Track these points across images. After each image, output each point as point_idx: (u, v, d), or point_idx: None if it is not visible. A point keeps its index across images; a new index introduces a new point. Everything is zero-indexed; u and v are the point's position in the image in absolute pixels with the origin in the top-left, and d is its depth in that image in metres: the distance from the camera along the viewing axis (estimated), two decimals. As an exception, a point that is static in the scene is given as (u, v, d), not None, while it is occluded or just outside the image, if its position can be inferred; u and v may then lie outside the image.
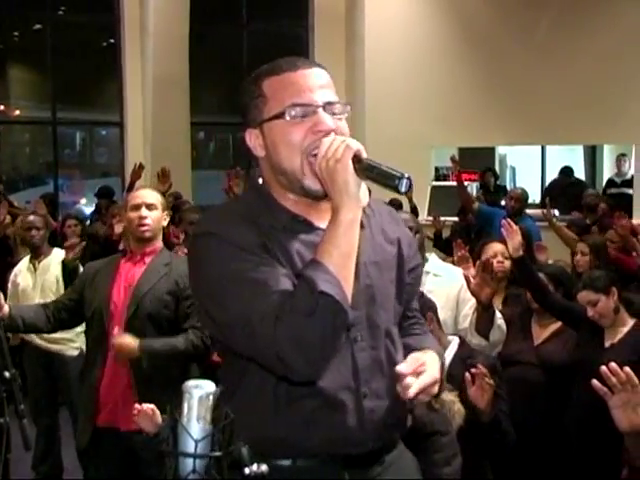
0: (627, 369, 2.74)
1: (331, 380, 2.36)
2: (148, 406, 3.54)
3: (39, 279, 6.67)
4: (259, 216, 2.35)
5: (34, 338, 6.55)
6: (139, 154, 12.62)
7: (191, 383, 2.21)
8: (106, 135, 15.46)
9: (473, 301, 4.63)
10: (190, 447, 2.18)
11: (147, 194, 4.75)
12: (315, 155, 2.30)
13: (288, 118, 2.32)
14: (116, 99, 13.43)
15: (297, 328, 2.13)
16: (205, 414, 2.20)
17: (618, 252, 7.17)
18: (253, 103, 2.38)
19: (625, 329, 4.86)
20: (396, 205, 10.55)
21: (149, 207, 4.65)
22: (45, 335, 6.27)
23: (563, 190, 13.05)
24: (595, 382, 2.77)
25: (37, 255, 6.79)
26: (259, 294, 2.19)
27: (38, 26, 13.81)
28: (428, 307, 4.09)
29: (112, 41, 13.50)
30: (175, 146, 12.38)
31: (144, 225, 4.61)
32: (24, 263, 6.89)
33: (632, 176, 13.54)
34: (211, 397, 2.21)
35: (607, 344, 4.86)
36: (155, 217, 4.63)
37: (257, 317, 2.16)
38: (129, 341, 4.37)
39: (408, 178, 2.26)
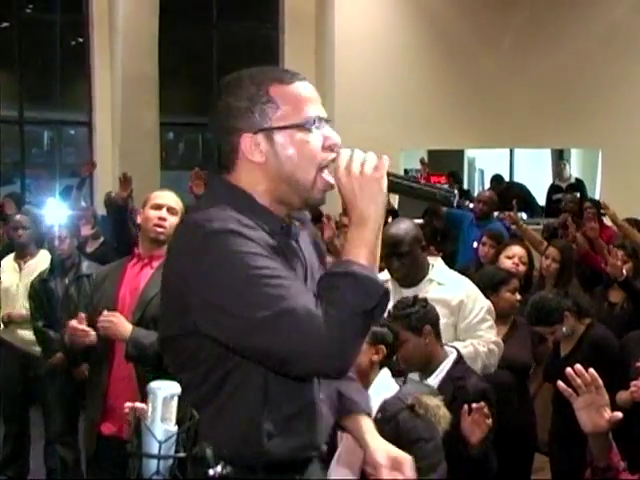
0: (592, 371, 2.76)
1: (308, 384, 2.38)
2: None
3: (24, 280, 6.63)
4: (250, 219, 2.30)
5: (14, 339, 6.52)
6: (107, 154, 12.57)
7: (155, 384, 2.20)
8: (74, 135, 15.36)
9: (475, 313, 4.59)
10: (154, 448, 2.17)
11: (172, 198, 4.57)
12: (324, 167, 2.35)
13: (313, 130, 2.35)
14: (85, 99, 13.36)
15: (347, 323, 2.10)
16: (169, 415, 2.19)
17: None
18: (258, 108, 2.33)
19: (577, 336, 4.90)
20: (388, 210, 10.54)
21: (171, 211, 4.47)
22: (26, 337, 6.25)
23: (501, 195, 13.15)
24: (560, 384, 2.79)
25: (23, 255, 6.77)
26: (297, 289, 2.17)
27: (5, 24, 13.70)
28: (429, 319, 4.07)
29: (81, 40, 13.42)
30: (144, 146, 12.32)
31: (161, 227, 4.42)
32: (8, 262, 6.86)
33: (576, 179, 13.59)
34: (175, 398, 2.20)
35: (563, 354, 4.90)
36: (173, 223, 4.42)
37: (303, 311, 2.10)
38: (125, 324, 4.27)
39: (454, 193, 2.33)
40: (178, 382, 2.22)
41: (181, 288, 2.26)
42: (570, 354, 4.82)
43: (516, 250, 6.01)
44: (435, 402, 3.46)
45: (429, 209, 10.57)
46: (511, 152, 15.73)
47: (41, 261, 6.63)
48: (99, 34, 12.90)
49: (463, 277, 5.04)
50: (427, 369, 4.03)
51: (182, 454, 2.19)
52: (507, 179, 15.54)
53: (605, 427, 2.74)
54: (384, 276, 4.83)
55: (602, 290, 6.24)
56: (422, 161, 10.78)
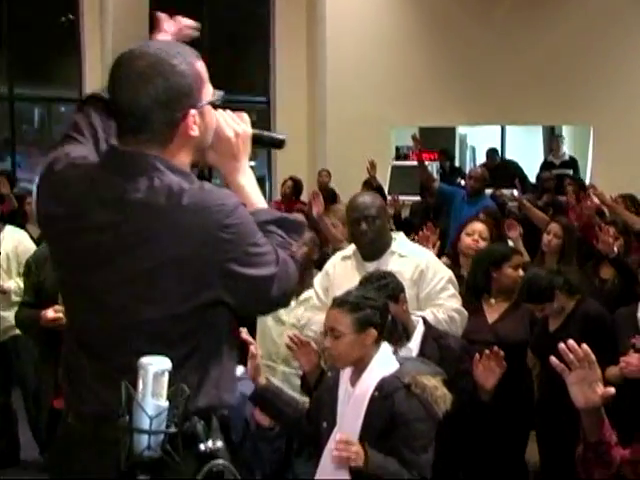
0: (585, 346, 2.75)
1: None
2: None
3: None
4: None
5: None
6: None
7: (146, 360, 2.19)
8: (65, 112, 15.26)
9: (435, 282, 4.63)
10: (145, 423, 2.16)
11: None
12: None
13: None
14: (75, 76, 13.26)
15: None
16: (160, 390, 2.18)
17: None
18: (195, 84, 2.45)
19: (567, 311, 4.91)
20: (371, 186, 10.59)
21: None
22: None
23: (494, 172, 13.17)
24: (553, 359, 2.78)
25: None
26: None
27: (-5, 0, 13.59)
28: (402, 288, 4.13)
29: (72, 17, 13.32)
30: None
31: None
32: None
33: (570, 157, 13.59)
34: (166, 374, 2.19)
35: (552, 329, 4.91)
36: None
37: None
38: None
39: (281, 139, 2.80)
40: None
41: (202, 265, 2.35)
42: (559, 329, 4.83)
43: (476, 227, 5.97)
44: (433, 382, 3.46)
45: (422, 187, 10.59)
46: (502, 129, 15.70)
47: (7, 236, 6.66)
48: (89, 13, 12.78)
49: (425, 249, 5.15)
50: (401, 336, 4.06)
51: (173, 429, 2.19)
52: (499, 157, 15.55)
53: (597, 402, 2.74)
54: (347, 251, 4.88)
55: (593, 266, 6.24)
56: (414, 137, 10.73)
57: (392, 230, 5.42)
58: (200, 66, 2.46)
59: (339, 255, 5.00)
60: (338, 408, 3.53)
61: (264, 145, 2.83)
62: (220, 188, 2.46)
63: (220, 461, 2.24)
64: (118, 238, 2.37)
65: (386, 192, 12.41)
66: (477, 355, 3.93)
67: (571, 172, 12.94)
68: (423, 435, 3.41)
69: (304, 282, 5.06)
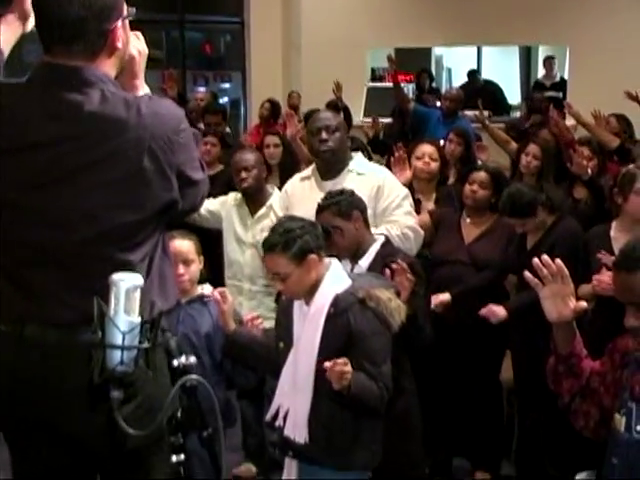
0: (558, 261, 2.76)
1: None
2: None
3: None
4: None
5: None
6: None
7: (117, 276, 2.19)
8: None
9: (391, 199, 4.66)
10: (117, 339, 2.17)
11: None
12: None
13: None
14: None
15: None
16: (132, 307, 2.18)
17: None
18: None
19: (544, 229, 4.92)
20: (336, 107, 10.54)
21: None
22: None
23: (475, 93, 13.10)
24: (527, 274, 2.79)
25: None
26: None
27: None
28: (356, 205, 4.14)
29: None
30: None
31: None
32: None
33: (561, 78, 13.55)
34: (138, 290, 2.19)
35: (529, 245, 4.93)
36: None
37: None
38: None
39: None
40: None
41: (165, 169, 2.47)
42: (536, 245, 4.85)
43: (425, 149, 5.89)
44: (387, 295, 3.48)
45: (396, 108, 10.51)
46: (479, 50, 15.60)
47: None
48: None
49: (383, 167, 5.22)
50: (357, 254, 4.07)
51: (146, 345, 2.19)
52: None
53: (570, 316, 2.76)
54: (306, 172, 4.90)
55: (567, 186, 6.24)
56: (389, 58, 10.62)
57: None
58: None
59: (298, 176, 5.06)
60: (294, 328, 3.54)
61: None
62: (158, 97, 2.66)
63: (194, 376, 2.25)
64: (81, 151, 2.38)
65: (361, 114, 12.37)
66: (387, 271, 3.88)
67: (561, 95, 12.90)
68: (382, 348, 3.45)
69: (262, 198, 5.24)
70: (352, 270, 4.03)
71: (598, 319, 4.47)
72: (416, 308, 3.89)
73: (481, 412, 5.36)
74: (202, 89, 13.75)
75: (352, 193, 4.19)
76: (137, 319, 2.18)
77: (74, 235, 2.43)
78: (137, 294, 2.18)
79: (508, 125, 9.86)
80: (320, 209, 4.10)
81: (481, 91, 12.75)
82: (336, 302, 3.43)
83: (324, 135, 4.68)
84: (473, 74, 14.06)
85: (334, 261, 3.60)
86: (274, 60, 13.12)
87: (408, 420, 4.15)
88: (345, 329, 3.39)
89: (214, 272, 4.56)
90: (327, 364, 3.21)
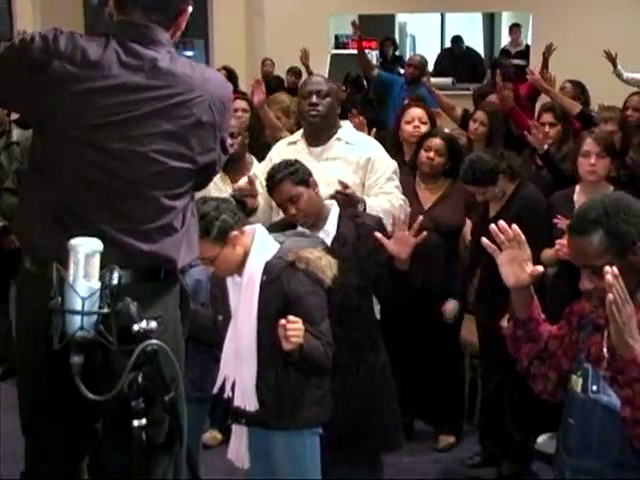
0: (515, 227, 2.79)
1: None
2: None
3: None
4: None
5: None
6: (29, 22, 12.12)
7: (76, 241, 2.19)
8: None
9: (383, 171, 4.65)
10: (77, 305, 2.17)
11: None
12: None
13: None
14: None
15: None
16: (92, 272, 2.18)
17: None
18: None
19: (506, 196, 4.95)
20: (296, 73, 10.53)
21: None
22: None
23: (457, 59, 13.07)
24: (484, 240, 2.81)
25: None
26: None
27: None
28: (309, 172, 4.11)
29: None
30: (67, 12, 11.96)
31: None
32: None
33: (527, 46, 13.58)
34: (97, 255, 2.19)
35: (492, 214, 4.96)
36: None
37: None
38: None
39: None
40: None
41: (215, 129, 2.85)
42: (498, 214, 4.86)
43: (414, 113, 5.93)
44: (316, 254, 3.50)
45: (348, 75, 10.55)
46: (442, 17, 15.58)
47: None
48: None
49: (371, 139, 5.15)
50: (319, 219, 4.09)
51: (106, 310, 2.20)
52: (439, 45, 15.47)
53: (527, 281, 2.79)
54: (294, 137, 4.87)
55: (529, 153, 6.26)
56: (353, 23, 10.60)
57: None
58: None
59: (285, 141, 5.01)
60: (230, 300, 3.56)
61: None
62: None
63: (154, 341, 2.26)
64: (150, 100, 2.69)
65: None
66: (378, 234, 3.90)
67: (526, 62, 12.90)
68: (318, 306, 3.48)
69: (243, 167, 5.18)
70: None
71: (561, 283, 4.52)
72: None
73: (442, 376, 5.43)
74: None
75: (298, 161, 4.16)
76: (97, 284, 2.18)
77: (128, 174, 2.68)
78: (96, 259, 2.18)
79: (475, 92, 9.89)
80: (278, 181, 4.06)
81: (462, 58, 12.79)
82: (267, 269, 3.46)
83: (314, 99, 4.65)
84: (457, 40, 14.02)
85: (258, 227, 3.61)
86: (237, 27, 13.02)
87: (386, 375, 4.22)
88: (280, 294, 3.42)
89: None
90: (282, 322, 3.23)
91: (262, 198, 4.58)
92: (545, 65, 8.21)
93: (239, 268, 3.50)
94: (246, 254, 3.48)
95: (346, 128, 4.86)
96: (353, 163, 4.58)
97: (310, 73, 10.66)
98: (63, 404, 2.73)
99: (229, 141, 3.10)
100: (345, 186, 4.35)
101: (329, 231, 4.08)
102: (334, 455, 3.89)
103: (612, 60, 8.78)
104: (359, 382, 4.08)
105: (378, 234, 3.89)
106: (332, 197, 4.27)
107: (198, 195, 3.21)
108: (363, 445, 4.15)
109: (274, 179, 4.07)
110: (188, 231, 2.86)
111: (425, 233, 3.90)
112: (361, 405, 4.07)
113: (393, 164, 4.78)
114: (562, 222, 4.43)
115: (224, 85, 2.90)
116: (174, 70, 2.73)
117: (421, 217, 3.95)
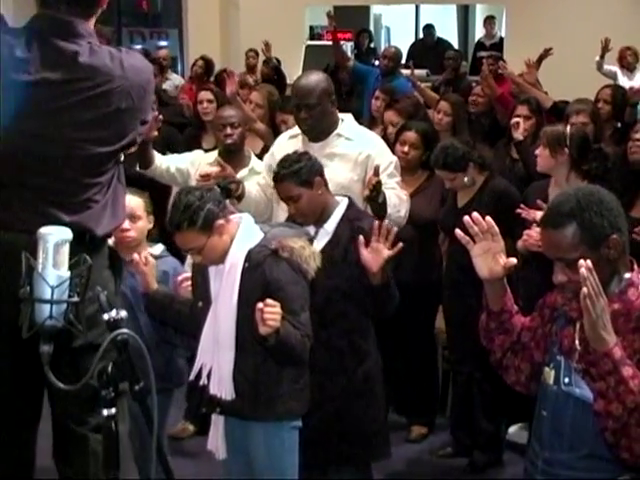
0: (488, 218, 2.79)
1: None
2: None
3: None
4: None
5: None
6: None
7: (45, 230, 2.17)
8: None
9: (385, 167, 4.53)
10: (46, 293, 2.15)
11: None
12: None
13: None
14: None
15: None
16: (61, 260, 2.16)
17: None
18: None
19: (476, 187, 4.96)
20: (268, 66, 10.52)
21: None
22: None
23: (429, 50, 13.04)
24: (458, 232, 2.81)
25: None
26: None
27: None
28: (316, 170, 4.01)
29: None
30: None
31: None
32: None
33: (501, 38, 13.61)
34: (67, 244, 2.17)
35: (460, 204, 4.96)
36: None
37: None
38: None
39: None
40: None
41: (135, 113, 3.16)
42: (467, 204, 4.87)
43: (406, 137, 5.62)
44: (300, 243, 3.48)
45: (328, 66, 10.53)
46: (417, 8, 15.58)
47: None
48: None
49: (372, 133, 5.05)
50: (322, 217, 4.04)
51: (75, 299, 2.17)
52: (413, 37, 15.47)
53: (500, 273, 2.78)
54: (295, 130, 4.80)
55: (504, 145, 6.28)
56: (329, 14, 10.56)
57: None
58: None
59: (286, 135, 4.94)
60: (211, 286, 3.54)
61: None
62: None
63: (124, 330, 2.23)
64: (71, 93, 2.93)
65: (300, 72, 12.31)
66: (361, 238, 3.81)
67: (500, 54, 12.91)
68: (299, 296, 3.46)
69: (242, 159, 5.21)
70: (316, 234, 4.00)
71: (534, 275, 4.53)
72: (389, 274, 3.91)
73: (415, 368, 5.43)
74: (138, 47, 13.58)
75: (309, 157, 4.05)
76: (66, 273, 2.16)
77: (55, 158, 2.98)
78: (66, 248, 2.16)
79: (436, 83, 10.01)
80: (280, 179, 3.98)
81: (434, 49, 12.79)
82: (250, 256, 3.44)
83: (303, 114, 4.50)
84: (428, 28, 14.01)
85: (244, 216, 3.60)
86: (212, 17, 12.98)
87: (370, 384, 4.13)
88: (261, 282, 3.40)
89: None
90: (259, 305, 3.20)
91: (261, 189, 4.58)
92: (538, 64, 8.23)
93: (225, 256, 3.49)
94: (232, 242, 3.47)
95: (347, 123, 4.73)
96: (352, 160, 4.53)
97: (274, 65, 10.71)
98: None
99: (160, 117, 4.14)
100: (377, 172, 4.30)
101: (329, 230, 4.05)
102: (312, 456, 3.86)
103: (603, 50, 9.16)
104: (335, 386, 4.02)
105: (361, 239, 3.82)
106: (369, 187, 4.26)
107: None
108: (341, 450, 4.08)
109: (277, 175, 4.00)
110: (113, 198, 3.15)
111: (400, 245, 3.82)
112: (337, 409, 4.02)
113: (394, 159, 4.73)
114: (526, 214, 4.46)
115: (143, 70, 3.15)
116: (94, 63, 2.96)
117: (395, 228, 3.91)
